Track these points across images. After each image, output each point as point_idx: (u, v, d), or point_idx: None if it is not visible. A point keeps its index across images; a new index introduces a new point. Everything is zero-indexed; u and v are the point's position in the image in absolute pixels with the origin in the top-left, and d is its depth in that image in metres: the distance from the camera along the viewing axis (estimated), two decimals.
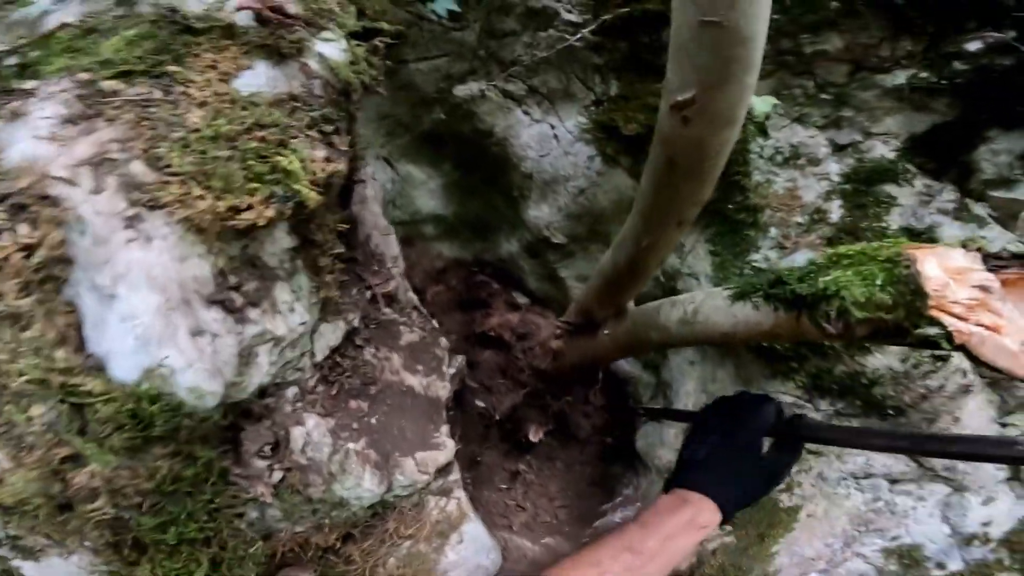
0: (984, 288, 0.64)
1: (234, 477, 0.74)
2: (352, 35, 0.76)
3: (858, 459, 1.08)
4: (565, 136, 1.24)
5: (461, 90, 1.20)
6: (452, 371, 1.30)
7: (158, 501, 0.65)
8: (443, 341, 1.06)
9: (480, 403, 1.42)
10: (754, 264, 1.11)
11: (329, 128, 0.70)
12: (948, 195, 0.95)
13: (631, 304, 1.19)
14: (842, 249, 0.78)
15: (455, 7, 1.01)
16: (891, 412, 1.02)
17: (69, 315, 0.59)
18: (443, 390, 1.00)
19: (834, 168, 1.03)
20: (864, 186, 1.00)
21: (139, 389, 0.57)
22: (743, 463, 0.84)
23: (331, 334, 0.86)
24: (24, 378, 0.56)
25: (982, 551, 1.02)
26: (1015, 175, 0.91)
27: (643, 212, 0.93)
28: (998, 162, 0.92)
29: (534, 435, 1.40)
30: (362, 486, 0.82)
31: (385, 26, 0.79)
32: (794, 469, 1.14)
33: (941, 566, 1.04)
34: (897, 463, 1.06)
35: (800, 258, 1.06)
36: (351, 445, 0.83)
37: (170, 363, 0.58)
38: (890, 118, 0.99)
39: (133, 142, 0.62)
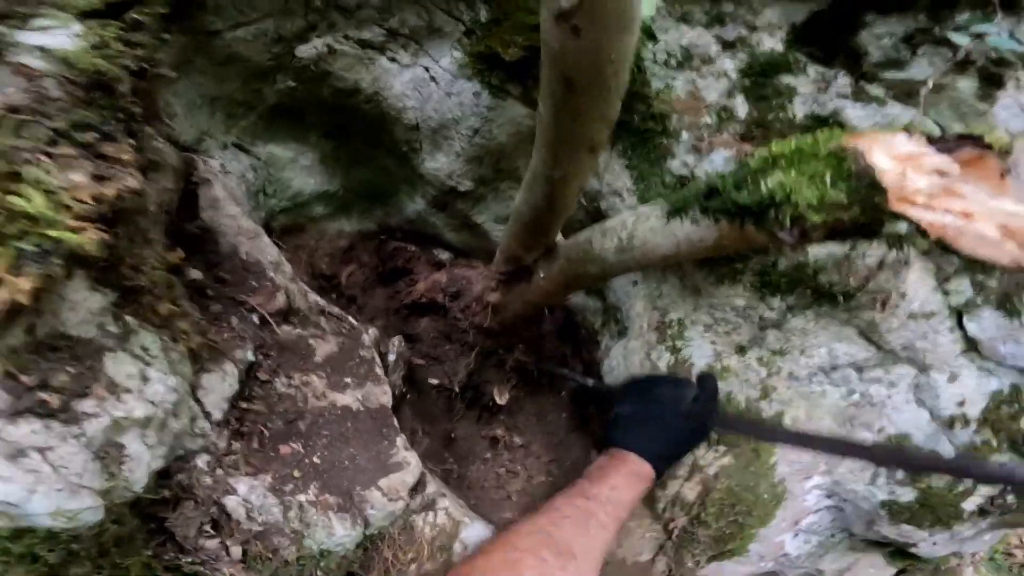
0: (943, 172, 0.52)
1: (190, 567, 0.61)
2: (91, 14, 0.51)
3: (820, 351, 1.02)
4: (443, 76, 1.02)
5: (304, 51, 0.95)
6: (392, 357, 1.13)
7: None
8: (366, 338, 0.88)
9: (434, 380, 1.27)
10: (673, 171, 0.97)
11: (90, 137, 0.48)
12: (843, 79, 0.85)
13: (560, 239, 1.04)
14: (776, 149, 0.64)
15: None
16: (841, 298, 0.94)
17: None
18: (384, 395, 0.84)
19: (729, 65, 0.89)
20: (762, 79, 0.88)
21: None
22: (666, 421, 0.89)
23: (220, 383, 0.67)
24: None
25: (967, 433, 0.99)
26: (903, 56, 0.81)
27: (548, 143, 0.75)
28: (883, 45, 0.82)
29: (500, 396, 1.28)
30: (335, 534, 0.69)
31: None
32: (763, 372, 1.09)
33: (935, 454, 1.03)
34: (859, 350, 1.01)
35: (718, 158, 0.93)
36: (301, 497, 0.68)
37: (7, 498, 0.40)
38: (768, 9, 0.85)
39: None
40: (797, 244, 0.65)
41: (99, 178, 0.47)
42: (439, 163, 1.14)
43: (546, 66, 0.64)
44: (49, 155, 0.46)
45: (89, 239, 0.44)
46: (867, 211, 0.56)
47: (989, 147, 0.53)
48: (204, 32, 0.85)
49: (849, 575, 1.44)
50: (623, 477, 0.82)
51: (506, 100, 1.02)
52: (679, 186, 0.97)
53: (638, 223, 0.85)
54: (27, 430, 0.46)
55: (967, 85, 0.85)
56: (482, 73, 1.00)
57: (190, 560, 0.61)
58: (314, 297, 0.86)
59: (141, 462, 0.54)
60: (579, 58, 0.59)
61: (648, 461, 0.85)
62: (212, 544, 0.62)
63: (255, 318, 0.74)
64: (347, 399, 0.78)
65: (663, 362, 1.12)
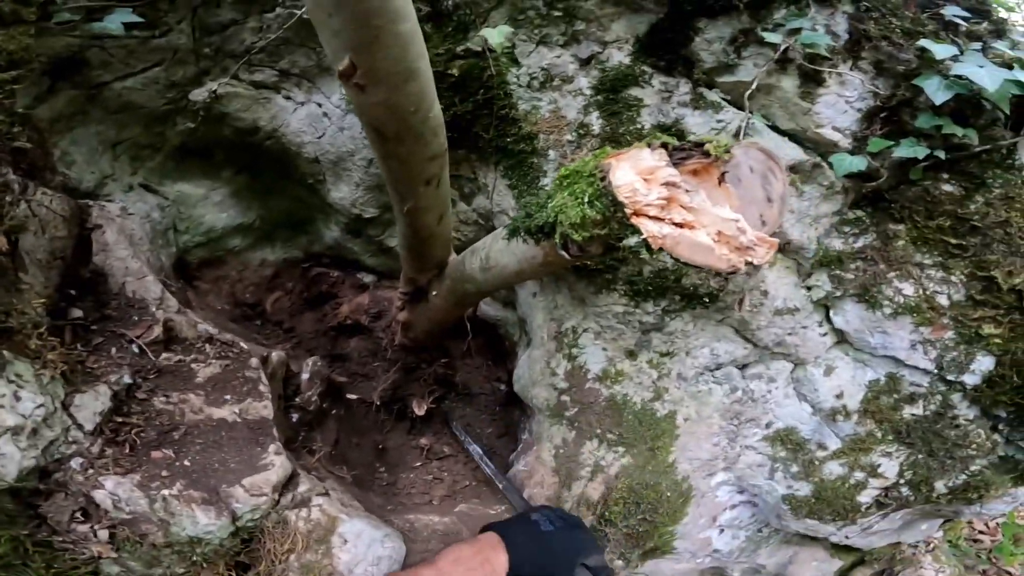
0: (672, 184, 0.61)
1: (61, 544, 0.76)
2: None
3: (703, 351, 1.11)
4: (334, 112, 1.15)
5: (198, 94, 1.08)
6: (306, 376, 1.25)
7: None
8: (254, 361, 1.00)
9: (352, 395, 1.39)
10: (546, 189, 1.08)
11: None
12: (684, 88, 0.93)
13: (452, 257, 1.15)
14: (564, 170, 0.74)
15: (133, 18, 0.88)
16: (707, 299, 1.03)
17: None
18: (265, 410, 0.96)
19: (584, 82, 0.99)
20: (612, 94, 0.97)
21: None
22: (562, 557, 0.92)
23: (93, 402, 0.80)
24: None
25: (849, 425, 1.06)
26: (732, 60, 0.89)
27: (389, 183, 0.87)
28: (713, 50, 0.90)
29: (419, 408, 1.38)
30: (199, 523, 0.81)
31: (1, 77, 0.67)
32: (654, 375, 1.17)
33: (823, 447, 1.09)
34: (737, 348, 1.09)
35: None
36: (166, 492, 0.81)
37: None
38: (616, 24, 0.94)
39: None
40: (576, 261, 0.74)
41: None
42: (343, 193, 1.26)
43: (361, 121, 0.75)
44: None
45: None
46: (619, 226, 0.64)
47: (708, 154, 0.62)
48: (94, 85, 0.99)
49: (793, 568, 1.49)
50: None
51: None
52: None
53: (492, 244, 0.95)
54: None
55: (790, 84, 0.92)
56: None
57: (61, 540, 0.74)
58: (204, 327, 0.98)
59: (13, 460, 0.68)
60: (376, 111, 0.71)
61: (512, 567, 0.88)
62: (82, 528, 0.76)
63: (135, 347, 0.87)
64: (224, 413, 0.91)
65: (562, 369, 1.22)
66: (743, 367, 1.15)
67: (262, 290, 1.39)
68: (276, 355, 1.09)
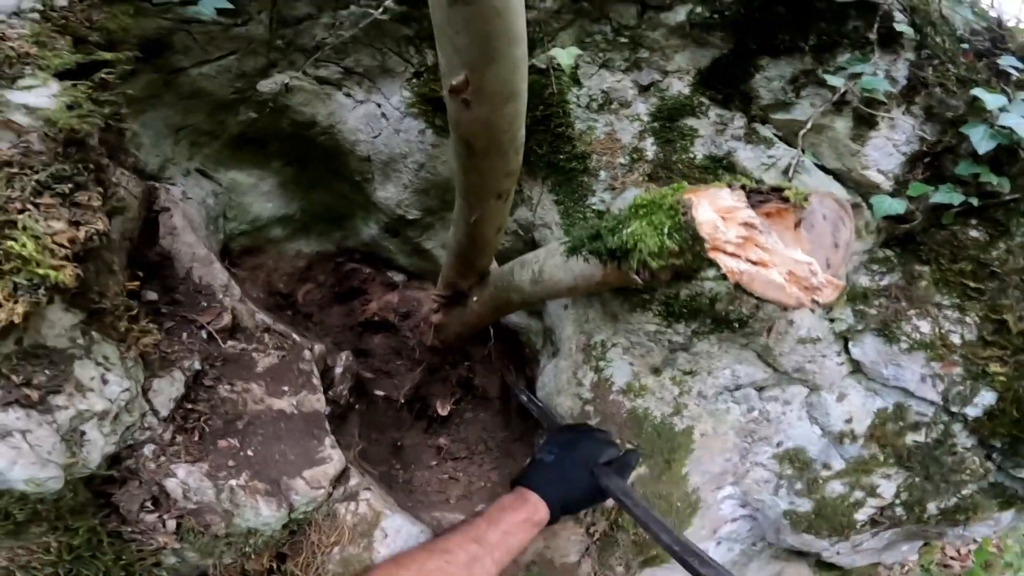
0: (750, 224, 0.67)
1: (130, 535, 0.77)
2: (65, 74, 0.66)
3: (724, 372, 1.17)
4: (393, 113, 1.18)
5: (265, 85, 1.10)
6: (339, 370, 1.28)
7: (70, 569, 0.71)
8: (306, 353, 1.03)
9: (379, 391, 1.42)
10: (593, 207, 1.13)
11: (66, 188, 0.63)
12: (738, 122, 1.00)
13: (494, 266, 1.20)
14: (639, 199, 0.80)
15: (226, 4, 0.91)
16: (736, 324, 1.10)
17: None
18: (318, 403, 0.99)
19: (642, 108, 1.04)
20: (668, 122, 1.03)
21: None
22: (578, 475, 1.00)
23: (169, 387, 0.82)
24: None
25: (855, 448, 1.14)
26: (789, 98, 0.96)
27: (462, 193, 0.91)
28: (772, 88, 0.96)
29: (442, 409, 1.42)
30: (261, 514, 0.83)
31: (107, 56, 0.69)
32: (676, 391, 1.24)
33: (827, 466, 1.17)
34: (756, 371, 1.16)
35: (629, 197, 1.09)
36: (233, 482, 0.83)
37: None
38: (679, 55, 1.00)
39: None
40: (647, 285, 0.80)
41: (74, 223, 0.62)
42: (389, 193, 1.29)
43: (451, 130, 0.79)
44: (36, 205, 0.61)
45: (67, 275, 0.59)
46: (695, 258, 0.71)
47: (787, 200, 0.69)
48: (173, 70, 1.01)
49: None
50: (520, 523, 0.93)
51: (447, 139, 1.18)
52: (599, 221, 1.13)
53: (547, 259, 1.00)
54: (13, 417, 0.60)
55: (843, 125, 0.99)
56: (426, 113, 1.16)
57: (130, 530, 0.76)
58: (261, 316, 1.00)
59: (96, 446, 0.69)
60: (473, 126, 0.75)
61: (549, 506, 0.97)
62: (150, 518, 0.77)
63: (203, 334, 0.89)
64: (283, 404, 0.93)
65: (588, 380, 1.27)
66: (761, 389, 1.22)
67: (295, 281, 1.41)
68: (319, 348, 1.12)
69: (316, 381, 1.01)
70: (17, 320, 0.57)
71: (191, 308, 0.89)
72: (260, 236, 1.31)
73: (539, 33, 1.03)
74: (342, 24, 1.10)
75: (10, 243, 0.58)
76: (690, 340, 1.18)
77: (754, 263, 0.67)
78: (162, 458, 0.78)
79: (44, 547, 0.70)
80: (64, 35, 0.69)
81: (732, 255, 0.68)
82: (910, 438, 1.14)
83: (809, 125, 0.93)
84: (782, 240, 0.68)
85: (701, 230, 0.69)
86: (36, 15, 0.71)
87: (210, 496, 0.80)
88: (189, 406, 0.84)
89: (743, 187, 0.69)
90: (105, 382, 0.70)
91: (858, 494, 1.21)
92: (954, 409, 1.07)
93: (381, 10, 1.06)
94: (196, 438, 0.83)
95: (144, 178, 0.99)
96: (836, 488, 1.22)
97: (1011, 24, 1.07)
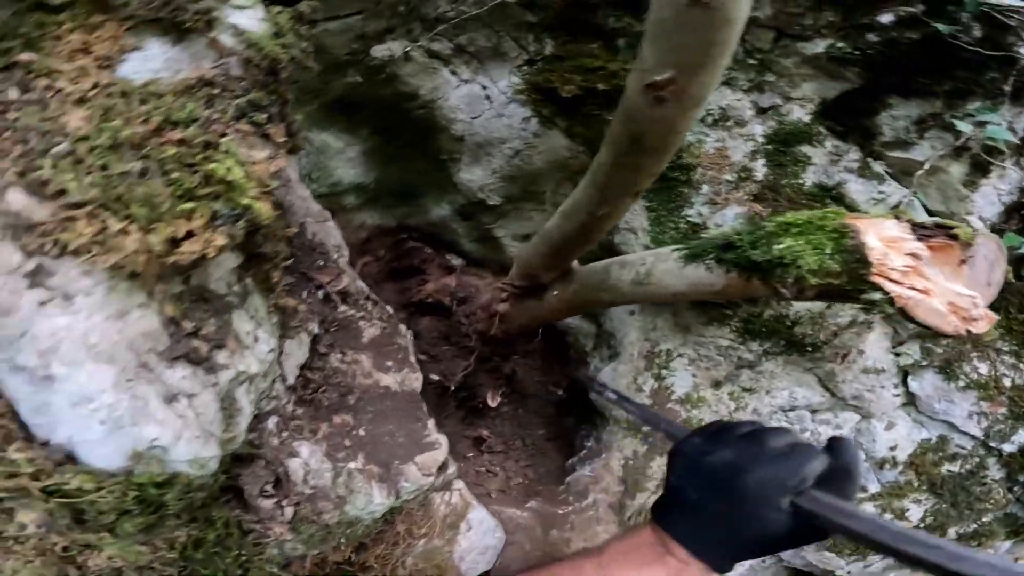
0: (916, 256, 0.71)
1: (248, 524, 0.68)
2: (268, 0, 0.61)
3: (783, 393, 1.22)
4: (498, 97, 1.16)
5: (379, 50, 1.06)
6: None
7: (185, 567, 0.58)
8: (403, 328, 0.99)
9: (435, 376, 1.38)
10: (688, 218, 1.15)
11: (262, 117, 0.58)
12: (853, 155, 1.04)
13: (575, 263, 1.19)
14: (789, 218, 0.82)
15: None
16: (809, 348, 1.15)
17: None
18: (416, 382, 0.95)
19: (758, 129, 1.07)
20: (783, 146, 1.07)
21: (139, 477, 0.47)
22: (749, 520, 0.59)
23: (297, 350, 0.77)
24: None
25: (893, 474, 1.20)
26: (911, 138, 1.01)
27: (600, 184, 0.91)
28: (896, 126, 1.01)
29: (492, 400, 1.40)
30: (373, 501, 0.77)
31: None
32: (732, 406, 1.27)
33: (864, 489, 1.22)
34: (814, 395, 1.21)
35: (729, 214, 1.12)
36: (351, 464, 0.77)
37: (160, 442, 0.48)
38: (807, 84, 1.04)
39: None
40: (793, 298, 0.83)
41: (270, 158, 0.57)
42: (474, 176, 1.27)
43: (620, 122, 0.79)
44: (237, 130, 0.56)
45: (267, 211, 0.54)
46: (853, 280, 0.74)
47: (956, 238, 0.73)
48: (306, 22, 0.95)
49: None
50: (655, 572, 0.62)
51: (551, 130, 1.17)
52: (691, 232, 1.15)
53: (657, 262, 1.01)
54: (180, 374, 0.53)
55: (958, 170, 1.05)
56: (536, 102, 1.15)
57: (249, 518, 0.67)
58: (360, 283, 0.96)
59: (244, 415, 0.62)
60: (654, 123, 0.75)
61: (708, 563, 0.61)
62: (268, 504, 0.68)
63: (320, 294, 0.84)
64: (389, 380, 0.89)
65: (648, 386, 1.29)
66: (814, 411, 1.28)
67: (355, 252, 1.36)
68: (404, 328, 1.08)
69: (413, 358, 0.97)
70: (212, 254, 0.52)
71: (308, 266, 0.84)
72: (335, 202, 1.26)
73: None
74: (467, 0, 1.07)
75: (213, 165, 0.53)
76: (759, 358, 1.22)
77: (918, 291, 0.70)
78: (284, 433, 0.72)
79: (171, 543, 0.56)
80: None
81: (895, 282, 0.72)
82: (946, 468, 1.22)
83: (927, 166, 0.98)
84: (943, 273, 0.72)
85: (870, 255, 0.72)
86: None
87: (327, 479, 0.73)
88: (307, 374, 0.79)
89: (909, 220, 0.73)
90: (256, 339, 0.65)
91: (887, 516, 1.29)
92: (992, 444, 1.16)
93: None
94: (314, 412, 0.77)
95: None
96: (868, 510, 1.29)
97: None
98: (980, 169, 1.02)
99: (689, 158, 1.13)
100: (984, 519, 1.23)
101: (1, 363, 0.45)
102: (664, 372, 1.29)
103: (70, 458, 0.46)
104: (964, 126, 0.93)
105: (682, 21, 0.63)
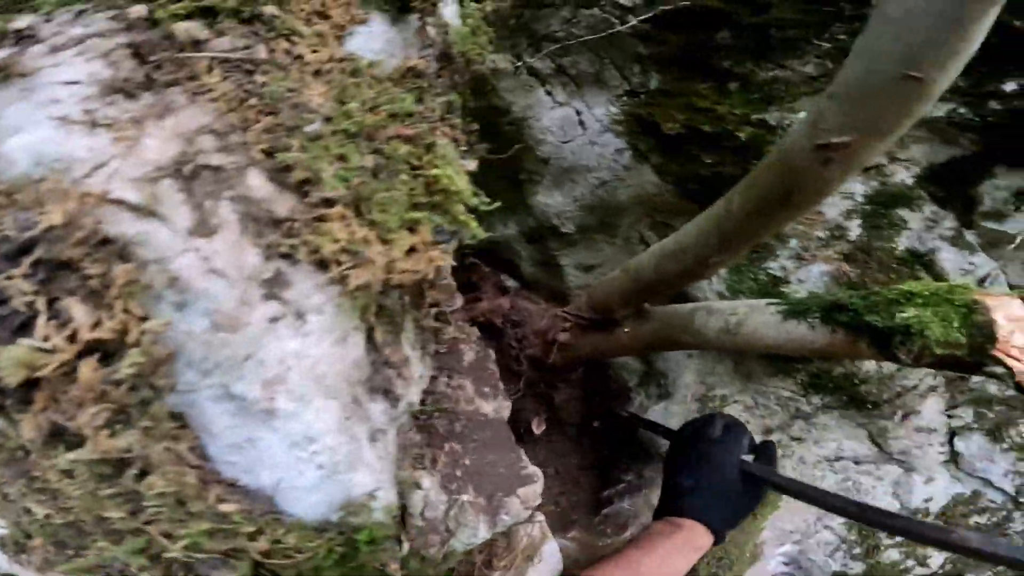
0: None
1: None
2: None
3: (831, 444, 1.24)
4: (593, 124, 1.14)
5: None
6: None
7: None
8: (491, 353, 0.94)
9: None
10: (770, 271, 1.16)
11: (457, 121, 0.53)
12: (949, 223, 1.07)
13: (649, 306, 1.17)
14: (914, 288, 0.83)
15: None
16: (869, 406, 1.17)
17: (183, 433, 0.39)
18: (506, 410, 0.90)
19: (859, 189, 1.09)
20: (883, 208, 1.08)
21: (356, 532, 0.40)
22: (727, 487, 0.92)
23: (424, 370, 0.71)
24: (185, 544, 0.36)
25: None
26: (1008, 209, 1.04)
27: (724, 232, 0.89)
28: (996, 196, 1.04)
29: (537, 427, 1.36)
30: (477, 535, 0.72)
31: None
32: (779, 453, 1.28)
33: (890, 535, 1.25)
34: (862, 447, 1.24)
35: (815, 271, 1.13)
36: (464, 497, 0.72)
37: (371, 489, 0.42)
38: (917, 146, 1.05)
39: (241, 136, 0.40)
40: (910, 365, 0.84)
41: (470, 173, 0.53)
42: (553, 200, 1.24)
43: (773, 174, 0.78)
44: (443, 133, 0.51)
45: (479, 232, 0.49)
46: (974, 353, 0.76)
47: None
48: None
49: None
50: (678, 547, 0.86)
51: (644, 165, 1.16)
52: (771, 286, 1.15)
53: (751, 314, 1.00)
54: (380, 408, 0.47)
55: None
56: (633, 134, 1.13)
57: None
58: (460, 300, 0.91)
59: (391, 440, 0.57)
60: (812, 182, 0.75)
61: (712, 530, 0.90)
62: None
63: (433, 311, 0.79)
64: (488, 407, 0.84)
65: None
66: (859, 463, 1.30)
67: None
68: (492, 353, 1.04)
69: (501, 385, 0.92)
70: (431, 275, 0.47)
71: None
72: None
73: (782, 91, 1.05)
74: (579, 22, 1.05)
75: (435, 171, 0.47)
76: (816, 411, 1.24)
77: None
78: (405, 460, 0.66)
79: None
80: None
81: (1015, 358, 0.74)
82: (974, 519, 1.27)
83: (1018, 240, 1.02)
84: None
85: (999, 332, 0.73)
86: None
87: (440, 512, 0.68)
88: (424, 398, 0.73)
89: None
90: (412, 364, 0.59)
91: (909, 563, 1.32)
92: (1021, 500, 1.22)
93: (630, 25, 1.03)
94: (429, 439, 0.72)
95: None
96: (892, 556, 1.32)
97: None
98: None
99: None
100: (998, 568, 1.29)
101: (209, 388, 0.38)
102: None
103: (273, 511, 0.40)
104: None
105: (888, 91, 0.63)
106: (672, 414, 1.33)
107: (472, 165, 0.52)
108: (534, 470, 0.84)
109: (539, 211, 1.26)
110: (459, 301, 0.82)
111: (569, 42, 1.05)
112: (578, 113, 1.15)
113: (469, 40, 0.55)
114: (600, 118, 1.14)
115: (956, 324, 0.78)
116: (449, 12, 0.55)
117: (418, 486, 0.66)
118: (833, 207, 1.11)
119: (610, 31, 1.03)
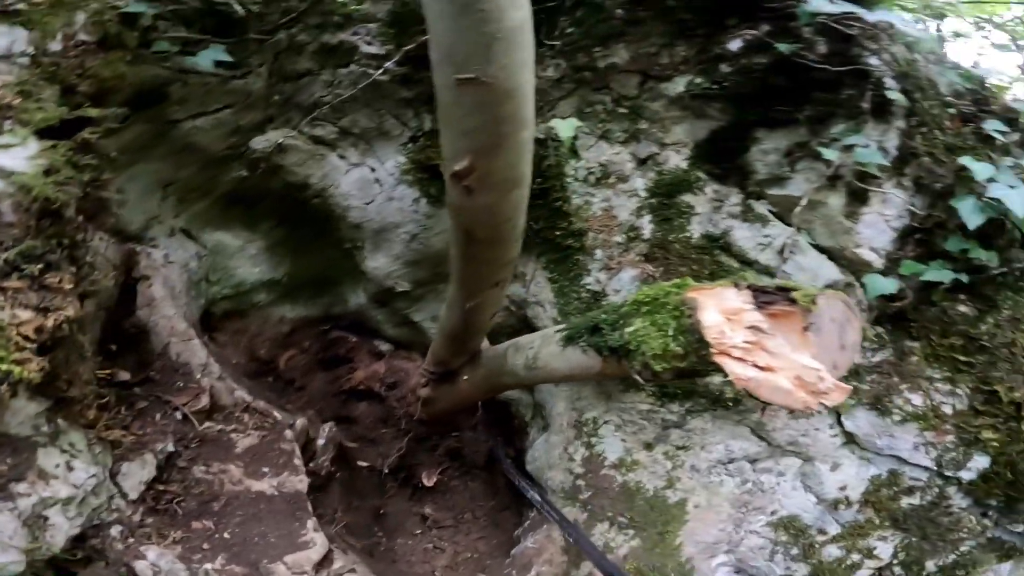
0: (756, 328, 0.66)
1: None
2: (46, 132, 0.62)
3: (718, 447, 1.16)
4: (387, 179, 1.18)
5: (259, 142, 1.09)
6: (322, 442, 1.22)
7: None
8: (288, 432, 0.99)
9: (363, 462, 1.35)
10: (588, 287, 1.13)
11: (36, 268, 0.58)
12: (734, 199, 1.01)
13: (485, 345, 1.17)
14: (641, 295, 0.78)
15: (224, 56, 0.89)
16: (730, 403, 1.09)
17: None
18: (300, 483, 0.94)
19: (640, 183, 1.06)
20: (666, 198, 1.04)
21: None
22: None
23: (140, 470, 0.79)
24: None
25: (850, 513, 1.14)
26: (784, 172, 0.97)
27: (458, 281, 0.90)
28: (768, 161, 0.98)
29: (428, 479, 1.37)
30: None
31: (93, 113, 0.66)
32: (669, 465, 1.21)
33: (823, 532, 1.15)
34: (752, 445, 1.16)
35: (625, 277, 1.10)
36: (208, 565, 0.79)
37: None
38: (678, 127, 1.02)
39: None
40: (652, 384, 0.78)
41: (42, 310, 0.58)
42: (379, 263, 1.27)
43: (450, 217, 0.78)
44: (3, 289, 0.56)
45: (31, 369, 0.55)
46: (700, 362, 0.68)
47: (795, 302, 0.67)
48: (167, 121, 0.98)
49: None
50: None
51: (441, 209, 1.17)
52: (593, 302, 1.12)
53: (542, 345, 0.97)
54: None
55: (837, 202, 0.99)
56: (421, 181, 1.16)
57: None
58: (240, 393, 0.96)
59: (60, 530, 0.66)
60: (475, 214, 0.74)
61: None
62: None
63: (179, 415, 0.84)
64: (262, 485, 0.89)
65: (579, 455, 1.25)
66: (754, 461, 1.21)
67: (277, 346, 1.37)
68: (300, 423, 1.08)
69: (298, 461, 0.96)
70: None
71: (167, 388, 0.85)
72: (244, 300, 1.27)
73: (539, 102, 1.04)
74: (341, 82, 1.09)
75: None
76: (683, 418, 1.17)
77: (761, 368, 0.66)
78: (131, 539, 0.74)
79: None
80: (52, 84, 0.66)
81: (739, 359, 0.67)
82: (905, 501, 1.14)
83: (804, 202, 0.94)
84: (789, 342, 0.67)
85: (707, 334, 0.68)
86: (26, 59, 0.67)
87: None
88: (161, 487, 0.80)
89: (749, 286, 0.69)
90: (71, 468, 0.68)
91: (855, 556, 1.20)
92: (948, 473, 1.09)
93: (381, 71, 1.05)
94: (168, 520, 0.77)
95: (126, 239, 0.95)
96: (833, 552, 1.21)
97: (994, 84, 1.08)
98: (858, 198, 0.96)
99: (579, 222, 1.11)
100: (961, 549, 1.14)
101: None
102: (593, 440, 1.24)
103: None
104: (831, 153, 0.88)
105: (460, 104, 0.62)
106: (553, 445, 1.29)
107: (27, 315, 0.56)
108: (313, 537, 0.87)
109: (373, 276, 1.29)
110: (205, 399, 0.87)
111: (332, 102, 1.09)
112: (372, 171, 1.18)
113: (42, 182, 0.61)
114: (391, 171, 1.17)
115: (672, 332, 0.72)
116: (13, 159, 0.60)
117: (139, 557, 0.73)
118: (623, 207, 1.07)
119: (368, 81, 1.06)
